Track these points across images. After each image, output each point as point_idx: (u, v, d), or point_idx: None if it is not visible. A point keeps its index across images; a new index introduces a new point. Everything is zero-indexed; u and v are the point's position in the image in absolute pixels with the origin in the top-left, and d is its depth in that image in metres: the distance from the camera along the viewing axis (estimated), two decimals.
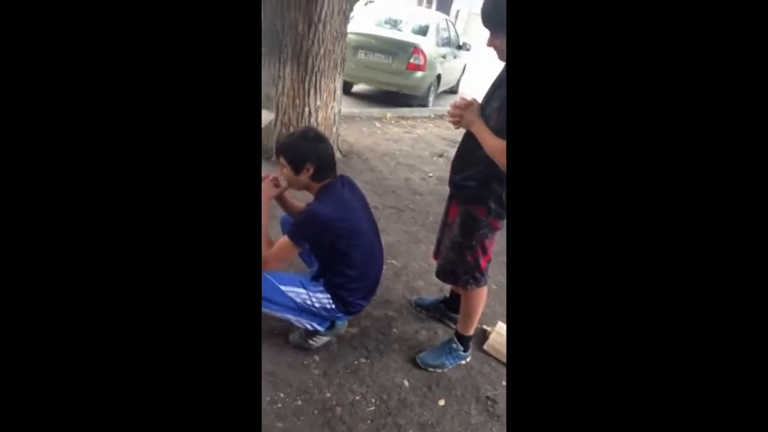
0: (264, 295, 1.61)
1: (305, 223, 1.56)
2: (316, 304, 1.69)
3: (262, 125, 2.99)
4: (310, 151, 1.58)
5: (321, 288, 1.70)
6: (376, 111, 5.79)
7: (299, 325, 1.74)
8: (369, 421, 1.56)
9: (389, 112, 5.75)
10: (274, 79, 3.45)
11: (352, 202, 1.67)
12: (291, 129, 3.54)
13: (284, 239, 1.57)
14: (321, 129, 3.37)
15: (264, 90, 3.54)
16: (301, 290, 1.68)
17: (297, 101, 3.47)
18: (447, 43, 7.07)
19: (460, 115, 1.57)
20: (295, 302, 1.67)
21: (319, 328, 1.76)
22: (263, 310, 1.64)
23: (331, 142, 1.70)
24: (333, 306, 1.70)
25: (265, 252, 1.57)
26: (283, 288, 1.65)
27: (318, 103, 3.52)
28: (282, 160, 1.61)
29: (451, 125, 1.63)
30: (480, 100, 1.61)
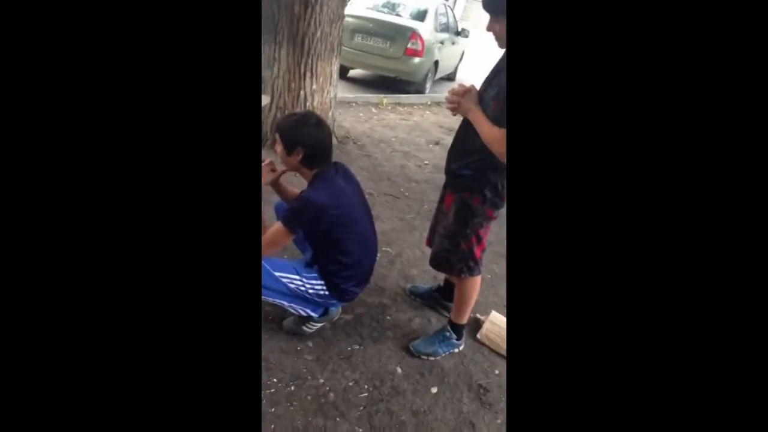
0: None
1: (299, 210, 1.55)
2: (310, 291, 1.69)
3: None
4: (304, 137, 1.57)
5: (315, 275, 1.69)
6: (372, 96, 5.74)
7: (293, 311, 1.74)
8: (362, 408, 1.57)
9: (386, 98, 5.70)
10: (270, 61, 3.39)
11: (347, 191, 1.66)
12: (287, 112, 3.50)
13: (278, 225, 1.56)
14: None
15: (261, 73, 3.49)
16: (295, 276, 1.67)
17: (293, 84, 3.43)
18: (445, 28, 6.99)
19: (457, 102, 1.55)
20: (288, 288, 1.67)
21: (312, 314, 1.76)
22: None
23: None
24: (327, 293, 1.70)
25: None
26: (276, 274, 1.64)
27: (314, 86, 3.48)
28: (277, 137, 1.61)
29: (448, 112, 1.62)
30: (478, 87, 1.59)
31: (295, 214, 1.55)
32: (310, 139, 1.58)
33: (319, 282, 1.69)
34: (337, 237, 1.62)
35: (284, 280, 1.66)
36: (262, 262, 1.63)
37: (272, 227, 1.58)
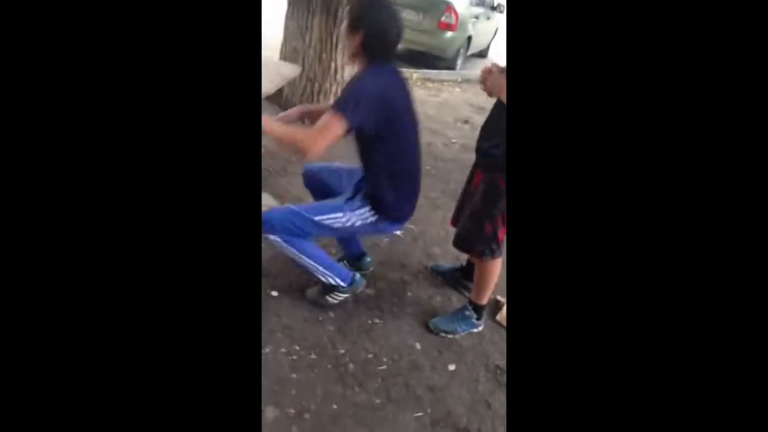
0: (298, 229, 1.60)
1: (350, 92, 1.49)
2: (357, 223, 1.65)
3: (289, 79, 2.94)
4: (370, 20, 1.49)
5: (359, 203, 1.65)
6: (401, 71, 5.64)
7: (323, 279, 1.75)
8: (380, 380, 1.61)
9: (415, 73, 5.61)
10: (302, 30, 3.36)
11: (400, 90, 1.62)
12: (317, 84, 3.48)
13: (330, 115, 1.44)
14: None
15: (293, 43, 3.46)
16: (338, 214, 1.63)
17: (324, 55, 3.39)
18: (481, 3, 6.80)
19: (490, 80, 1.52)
20: (334, 230, 1.65)
21: (341, 282, 1.77)
22: (293, 257, 1.67)
23: None
24: (375, 217, 1.65)
25: (303, 134, 1.49)
26: (317, 218, 1.61)
27: (346, 58, 3.44)
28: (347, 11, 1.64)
29: (478, 90, 1.60)
30: None
31: (346, 97, 1.48)
32: (375, 24, 1.49)
33: (365, 209, 1.64)
34: (387, 136, 1.56)
35: (327, 222, 1.62)
36: (299, 210, 1.61)
37: (322, 119, 1.45)
